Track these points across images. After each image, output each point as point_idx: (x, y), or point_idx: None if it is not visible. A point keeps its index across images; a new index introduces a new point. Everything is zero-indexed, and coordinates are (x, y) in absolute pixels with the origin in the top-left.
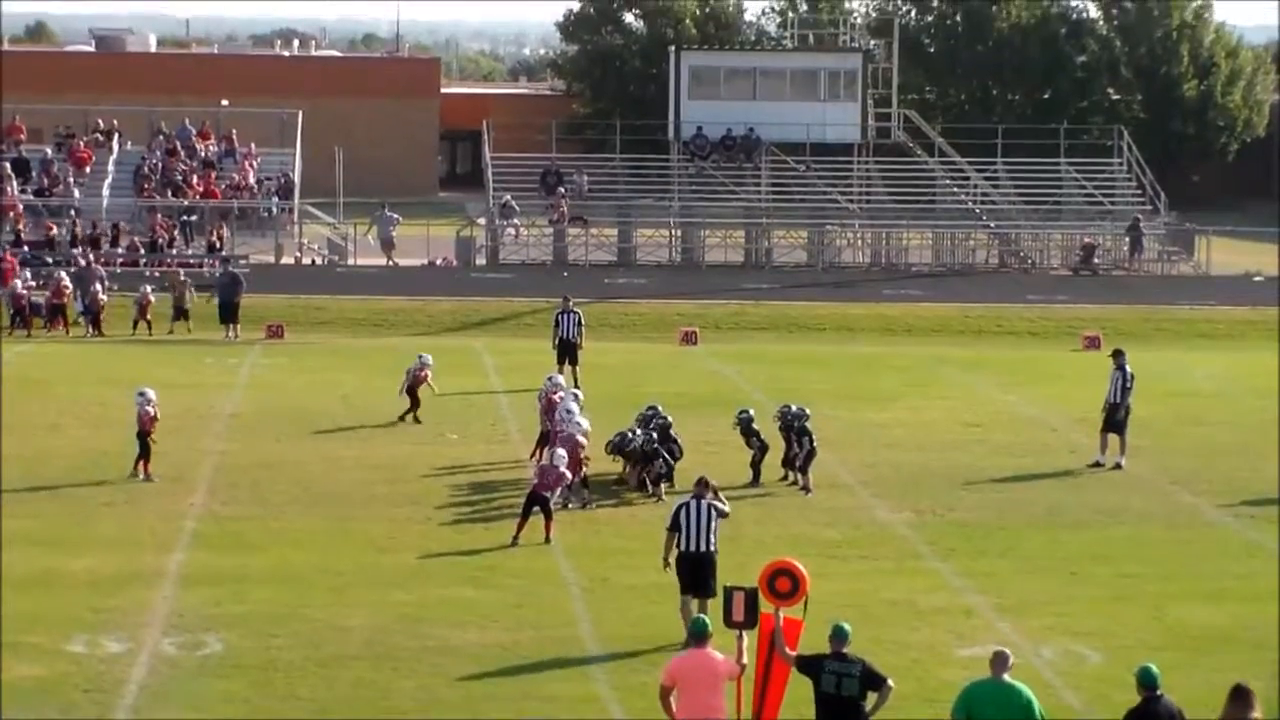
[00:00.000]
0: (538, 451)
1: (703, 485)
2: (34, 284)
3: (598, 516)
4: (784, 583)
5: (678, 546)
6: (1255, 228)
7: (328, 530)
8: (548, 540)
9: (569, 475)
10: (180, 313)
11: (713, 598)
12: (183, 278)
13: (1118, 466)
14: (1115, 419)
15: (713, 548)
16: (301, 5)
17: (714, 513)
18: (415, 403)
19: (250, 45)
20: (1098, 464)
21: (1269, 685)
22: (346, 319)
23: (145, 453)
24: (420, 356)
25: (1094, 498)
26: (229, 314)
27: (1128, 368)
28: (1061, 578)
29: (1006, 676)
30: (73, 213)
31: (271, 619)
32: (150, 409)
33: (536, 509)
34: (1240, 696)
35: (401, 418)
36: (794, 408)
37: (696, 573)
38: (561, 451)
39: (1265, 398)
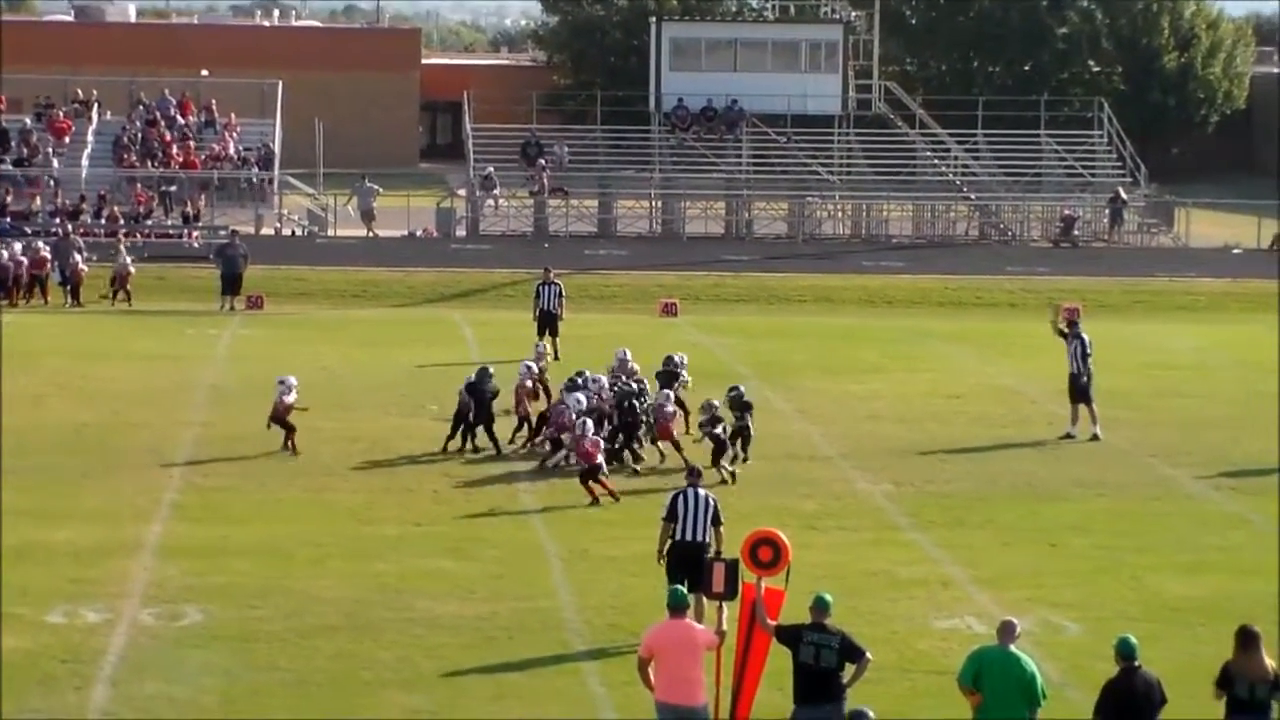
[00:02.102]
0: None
1: (695, 475)
2: (22, 258)
3: (577, 488)
4: (766, 552)
5: (672, 536)
6: (1235, 200)
7: (308, 501)
8: (595, 501)
9: (600, 441)
10: (120, 281)
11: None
12: (123, 247)
13: (1095, 438)
14: (1079, 387)
15: (707, 538)
16: None
17: (710, 502)
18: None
19: (230, 16)
20: (1069, 435)
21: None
22: (327, 290)
23: (290, 431)
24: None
25: (1073, 469)
26: (233, 285)
27: (1085, 336)
28: (1040, 549)
29: (1012, 646)
30: (51, 183)
31: (252, 590)
32: (289, 398)
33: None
34: (1249, 640)
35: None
36: (742, 389)
37: (687, 563)
38: (589, 422)
39: (1244, 369)
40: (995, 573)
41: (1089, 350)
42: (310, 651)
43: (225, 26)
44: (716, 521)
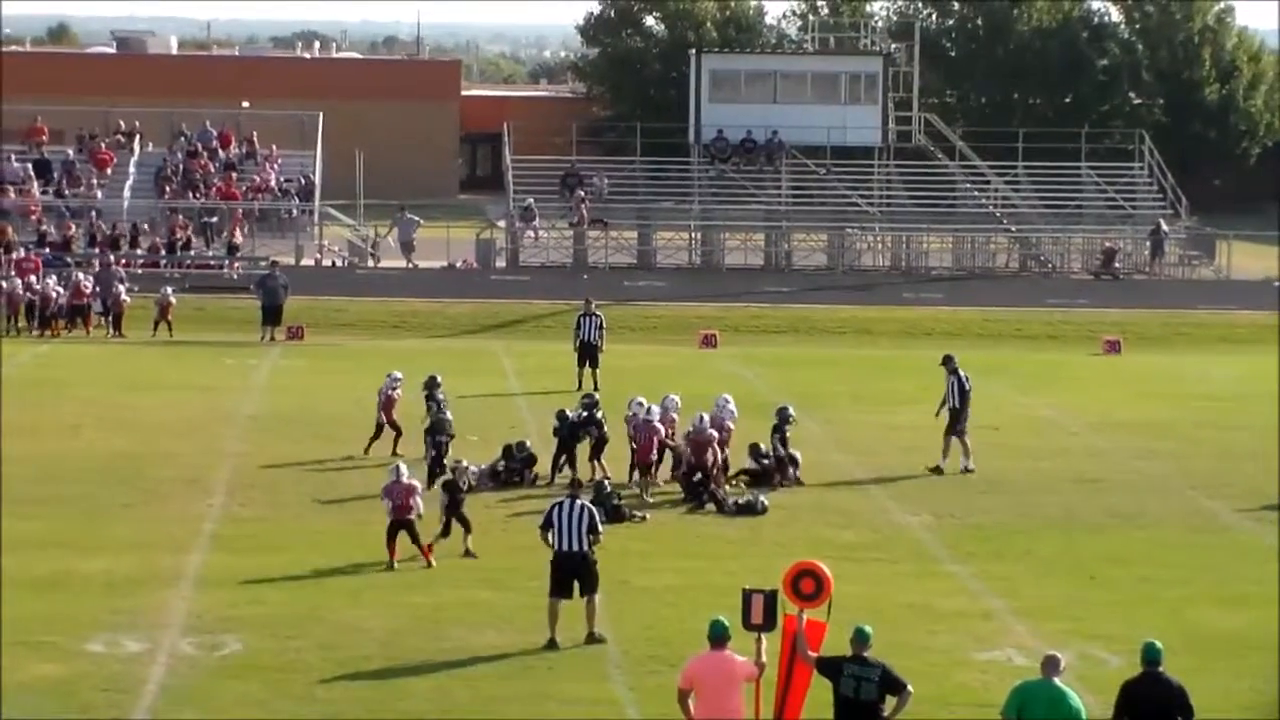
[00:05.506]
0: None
1: (575, 486)
2: (61, 289)
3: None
4: (808, 584)
5: (550, 546)
6: (1276, 231)
7: (345, 532)
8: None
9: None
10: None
11: (594, 593)
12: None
13: (968, 470)
14: (959, 423)
15: (585, 547)
16: (322, 7)
17: (588, 512)
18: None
19: (271, 47)
20: (939, 469)
21: (1273, 688)
22: (366, 321)
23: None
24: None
25: (1112, 501)
26: (273, 316)
27: (962, 372)
28: (1079, 581)
29: (1057, 680)
30: (94, 214)
31: (289, 620)
32: None
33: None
34: None
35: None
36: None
37: (570, 574)
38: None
39: None
40: (1034, 604)
41: (967, 387)
42: (347, 682)
43: (266, 58)
44: (593, 530)
